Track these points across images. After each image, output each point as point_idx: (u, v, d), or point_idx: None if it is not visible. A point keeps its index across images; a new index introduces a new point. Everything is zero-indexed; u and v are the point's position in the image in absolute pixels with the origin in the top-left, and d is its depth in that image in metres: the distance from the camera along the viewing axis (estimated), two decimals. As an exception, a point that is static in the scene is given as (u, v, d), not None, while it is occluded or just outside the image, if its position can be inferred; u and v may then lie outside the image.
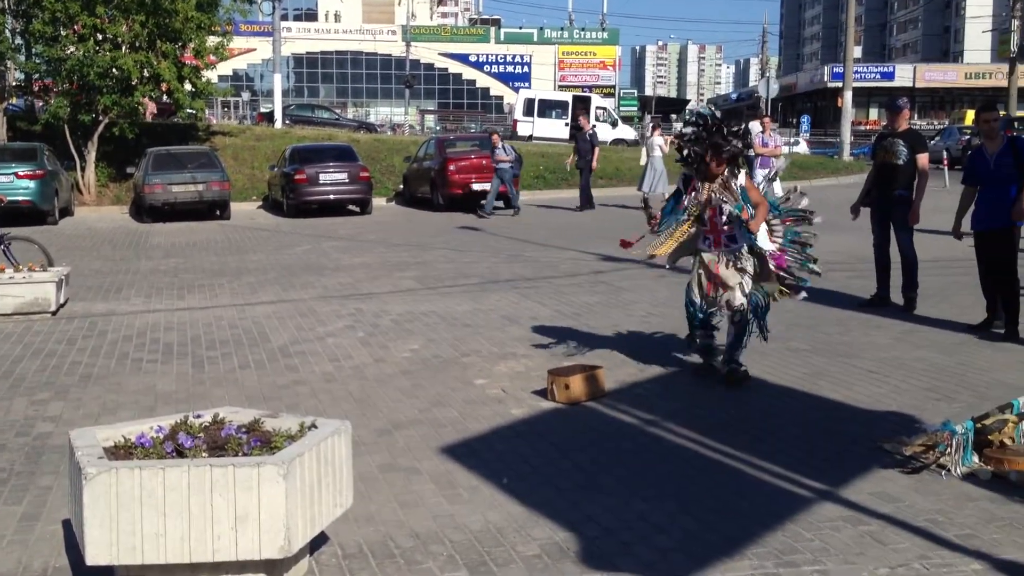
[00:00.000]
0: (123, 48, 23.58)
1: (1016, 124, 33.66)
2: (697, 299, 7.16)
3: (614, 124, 45.30)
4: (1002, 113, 21.22)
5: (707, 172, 6.92)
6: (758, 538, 4.47)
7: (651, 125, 27.28)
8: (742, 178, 7.01)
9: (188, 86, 24.57)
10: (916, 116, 66.69)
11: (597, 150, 22.94)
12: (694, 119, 7.18)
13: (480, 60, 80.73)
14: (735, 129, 6.93)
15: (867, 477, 5.21)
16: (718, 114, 7.31)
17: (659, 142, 22.17)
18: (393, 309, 10.45)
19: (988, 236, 8.67)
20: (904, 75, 74.42)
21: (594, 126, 23.98)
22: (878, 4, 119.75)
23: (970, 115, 42.57)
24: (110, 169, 25.85)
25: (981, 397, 6.60)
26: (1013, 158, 8.49)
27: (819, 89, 73.12)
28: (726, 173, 6.93)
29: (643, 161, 22.87)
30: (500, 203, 21.88)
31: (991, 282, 8.78)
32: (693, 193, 7.00)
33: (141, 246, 17.41)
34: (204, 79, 25.12)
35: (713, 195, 6.91)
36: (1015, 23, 45.45)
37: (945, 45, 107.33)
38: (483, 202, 21.75)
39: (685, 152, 7.01)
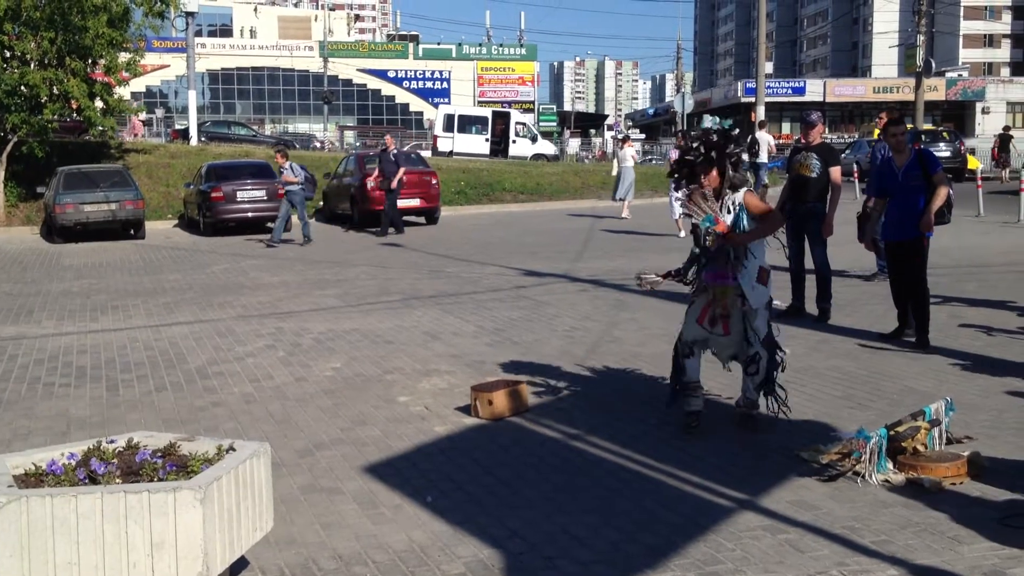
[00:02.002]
0: (31, 65, 23.02)
1: (923, 137, 34.63)
2: (686, 332, 6.37)
3: (534, 139, 45.60)
4: (909, 126, 21.82)
5: (703, 185, 6.28)
6: (680, 548, 4.51)
7: (622, 137, 28.64)
8: (740, 194, 6.28)
9: (99, 103, 24.06)
10: (827, 130, 68.18)
11: (402, 170, 21.11)
12: (699, 133, 6.55)
13: (399, 76, 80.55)
14: (736, 149, 6.25)
15: (785, 486, 5.29)
16: (735, 132, 6.46)
17: (630, 152, 23.82)
18: (314, 327, 10.34)
19: (898, 247, 8.89)
20: (815, 90, 76.08)
21: (397, 150, 22.13)
22: (788, 21, 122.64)
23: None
24: (20, 189, 25.18)
25: (894, 405, 6.76)
26: (921, 170, 8.72)
27: (733, 104, 74.33)
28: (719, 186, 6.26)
29: (614, 172, 24.44)
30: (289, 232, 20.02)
31: (902, 292, 9.00)
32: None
33: (52, 267, 16.98)
34: (116, 96, 24.63)
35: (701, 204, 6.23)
36: (920, 38, 46.77)
37: (854, 60, 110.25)
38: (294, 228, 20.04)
39: (676, 164, 6.44)
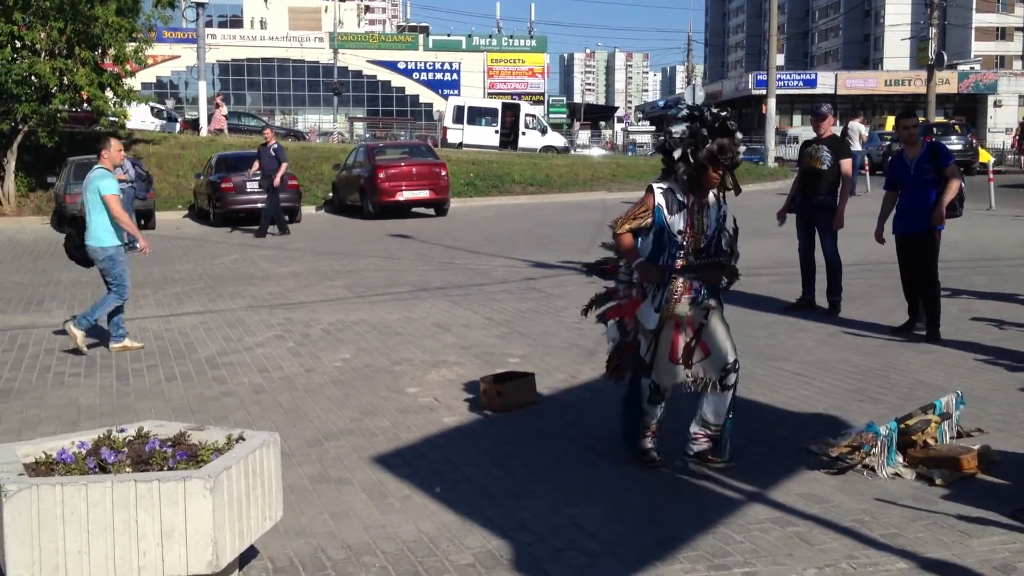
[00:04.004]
0: (41, 55, 23.04)
1: (935, 130, 34.50)
2: (662, 378, 5.45)
3: (544, 131, 45.46)
4: (921, 119, 21.78)
5: (703, 182, 5.26)
6: (689, 541, 4.50)
7: None
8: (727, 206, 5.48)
9: (109, 93, 24.06)
10: (839, 122, 67.91)
11: (284, 166, 19.81)
12: (688, 112, 5.36)
13: (409, 67, 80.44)
14: (734, 127, 5.25)
15: (794, 478, 5.28)
16: (715, 109, 5.35)
17: None
18: (323, 318, 10.35)
19: (909, 240, 8.86)
20: (826, 82, 75.72)
21: (277, 144, 20.42)
22: (800, 13, 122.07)
23: (890, 121, 43.47)
24: (30, 179, 25.24)
25: (904, 398, 6.74)
26: (933, 163, 8.68)
27: (744, 96, 74.03)
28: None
29: None
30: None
31: (913, 285, 8.96)
32: (682, 214, 5.27)
33: (63, 257, 16.93)
34: (126, 86, 24.64)
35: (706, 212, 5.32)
36: (932, 31, 46.54)
37: (865, 53, 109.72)
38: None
39: (678, 155, 5.22)
